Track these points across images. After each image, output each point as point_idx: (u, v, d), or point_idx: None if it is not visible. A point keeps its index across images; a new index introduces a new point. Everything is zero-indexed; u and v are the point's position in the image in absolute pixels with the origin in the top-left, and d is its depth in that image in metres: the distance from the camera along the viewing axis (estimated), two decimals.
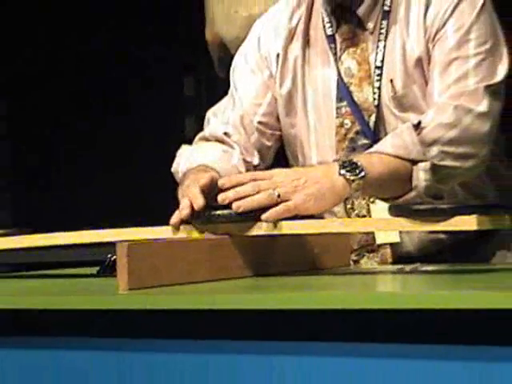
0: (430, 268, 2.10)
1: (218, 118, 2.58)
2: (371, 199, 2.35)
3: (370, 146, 2.32)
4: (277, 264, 2.13)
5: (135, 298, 1.81)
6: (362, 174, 2.13)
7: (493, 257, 2.46)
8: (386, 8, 2.43)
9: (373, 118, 2.40)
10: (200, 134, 2.58)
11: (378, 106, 2.40)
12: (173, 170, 2.51)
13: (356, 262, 2.42)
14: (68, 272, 2.61)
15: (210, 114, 2.61)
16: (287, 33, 2.52)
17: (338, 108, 2.43)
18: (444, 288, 1.82)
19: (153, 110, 7.43)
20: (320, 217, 2.20)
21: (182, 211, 2.10)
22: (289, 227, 2.04)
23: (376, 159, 2.19)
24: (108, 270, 2.29)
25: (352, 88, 2.43)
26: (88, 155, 7.60)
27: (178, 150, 2.59)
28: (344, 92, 2.43)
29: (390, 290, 1.97)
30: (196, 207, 2.09)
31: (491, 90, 2.31)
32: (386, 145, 2.22)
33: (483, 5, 2.37)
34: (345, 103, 2.43)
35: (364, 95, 2.42)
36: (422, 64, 2.38)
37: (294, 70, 2.50)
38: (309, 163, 2.47)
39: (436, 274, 2.08)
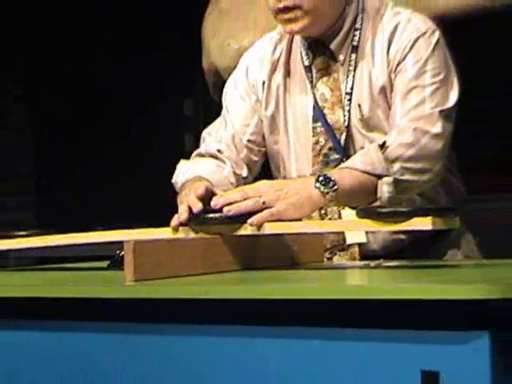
0: (391, 264, 2.11)
1: (212, 136, 2.59)
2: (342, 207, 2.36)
3: (341, 160, 2.35)
4: (261, 260, 2.14)
5: (140, 288, 1.83)
6: (335, 187, 2.16)
7: (445, 254, 2.48)
8: (355, 43, 2.44)
9: (343, 137, 2.41)
10: (196, 151, 2.59)
11: (348, 127, 2.41)
12: (173, 180, 2.52)
13: (329, 259, 2.43)
14: (83, 266, 2.59)
15: (205, 133, 2.62)
16: (271, 64, 2.53)
17: (313, 128, 2.45)
18: (402, 281, 1.84)
19: (158, 127, 7.45)
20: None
21: (181, 215, 2.13)
22: (271, 228, 2.06)
23: (347, 174, 2.21)
24: (117, 264, 2.29)
25: (326, 111, 2.44)
26: (101, 164, 7.62)
27: (178, 163, 2.60)
28: (319, 114, 2.44)
29: (357, 282, 1.98)
30: (195, 211, 2.12)
31: (444, 114, 2.33)
32: (355, 161, 2.24)
33: (437, 41, 2.39)
34: (319, 124, 2.44)
35: (336, 117, 2.43)
36: (386, 91, 2.39)
37: (276, 96, 2.51)
38: (289, 175, 2.49)
39: (396, 268, 2.08)
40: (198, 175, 2.39)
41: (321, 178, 2.16)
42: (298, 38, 2.51)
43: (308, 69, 2.48)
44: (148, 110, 7.52)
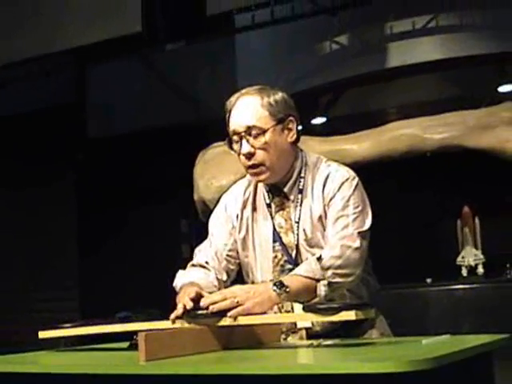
0: (328, 342, 2.11)
1: (201, 252, 2.54)
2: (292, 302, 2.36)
3: (292, 269, 2.34)
4: (236, 341, 2.12)
5: (150, 366, 1.81)
6: (287, 289, 2.16)
7: (365, 332, 2.45)
8: (301, 187, 2.42)
9: (294, 252, 2.38)
10: (190, 263, 2.53)
11: (297, 245, 2.38)
12: (174, 285, 2.47)
13: (285, 339, 2.41)
14: (109, 346, 2.50)
15: (196, 250, 2.57)
16: (242, 202, 2.51)
17: (273, 246, 2.42)
18: (331, 358, 1.86)
19: (161, 240, 7.46)
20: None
21: (178, 311, 2.13)
22: (243, 320, 2.06)
23: (295, 279, 2.21)
24: (133, 346, 2.26)
25: (282, 235, 2.41)
26: (123, 267, 7.60)
27: (177, 265, 2.58)
28: (277, 237, 2.41)
29: (302, 360, 1.97)
30: (188, 308, 2.12)
31: (362, 235, 2.33)
32: (300, 270, 2.24)
33: (357, 184, 2.40)
34: (277, 243, 2.41)
35: (289, 239, 2.40)
36: (322, 219, 2.38)
37: (246, 224, 2.48)
38: (256, 280, 2.46)
39: (332, 347, 2.08)
40: (191, 281, 2.38)
41: (277, 283, 2.17)
42: (261, 184, 2.51)
43: (268, 205, 2.46)
44: (154, 228, 7.56)
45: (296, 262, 2.36)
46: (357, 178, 2.43)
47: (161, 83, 8.19)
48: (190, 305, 2.13)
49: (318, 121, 7.26)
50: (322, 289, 2.22)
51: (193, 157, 6.04)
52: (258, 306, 2.11)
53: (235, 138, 2.43)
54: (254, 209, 2.50)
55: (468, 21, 6.30)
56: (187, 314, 2.11)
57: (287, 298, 2.19)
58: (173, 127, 7.86)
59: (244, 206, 2.51)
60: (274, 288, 2.16)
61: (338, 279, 2.26)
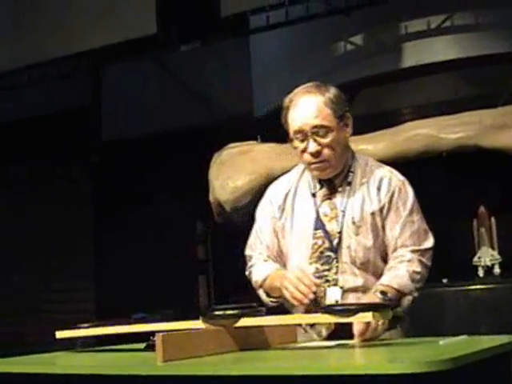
0: (344, 343, 2.11)
1: (255, 252, 2.60)
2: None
3: (331, 256, 2.41)
4: (252, 342, 2.12)
5: (167, 367, 1.83)
6: (389, 300, 2.30)
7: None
8: (349, 180, 2.48)
9: (336, 240, 2.43)
10: (250, 262, 2.61)
11: (340, 233, 2.43)
12: (254, 280, 2.56)
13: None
14: (125, 347, 2.52)
15: (247, 251, 2.65)
16: (284, 193, 2.56)
17: (314, 233, 2.46)
18: (348, 359, 1.86)
19: (178, 242, 7.48)
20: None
21: (309, 295, 2.26)
22: (255, 321, 2.08)
23: (389, 290, 2.34)
24: (151, 347, 2.27)
25: (325, 222, 2.45)
26: (140, 269, 7.63)
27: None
28: (319, 225, 2.46)
29: (318, 361, 1.92)
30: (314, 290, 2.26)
31: (430, 253, 2.49)
32: (393, 282, 2.37)
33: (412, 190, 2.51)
34: (320, 231, 2.45)
35: (332, 226, 2.44)
36: (375, 216, 2.44)
37: (286, 213, 2.54)
38: (290, 267, 2.50)
39: (348, 348, 2.08)
40: (276, 267, 2.49)
41: (383, 294, 2.31)
42: (306, 173, 2.55)
43: (313, 195, 2.50)
44: (169, 229, 7.59)
45: (337, 250, 2.42)
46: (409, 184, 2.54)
47: (175, 85, 8.20)
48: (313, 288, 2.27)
49: None
50: (405, 302, 2.39)
51: (208, 158, 6.05)
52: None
53: (299, 136, 2.45)
54: (297, 198, 2.54)
55: (483, 20, 6.27)
56: (204, 316, 2.12)
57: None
58: (187, 128, 7.87)
59: (286, 196, 2.55)
60: (381, 296, 2.30)
61: (416, 294, 2.41)
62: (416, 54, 6.42)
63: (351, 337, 2.19)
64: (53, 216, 8.87)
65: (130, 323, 2.45)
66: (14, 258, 9.06)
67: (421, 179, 6.05)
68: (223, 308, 2.11)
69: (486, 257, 5.50)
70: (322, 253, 2.44)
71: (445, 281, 5.38)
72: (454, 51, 6.36)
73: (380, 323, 2.18)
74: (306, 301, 2.26)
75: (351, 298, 2.38)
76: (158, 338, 1.87)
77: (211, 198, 5.81)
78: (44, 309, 8.77)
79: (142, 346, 2.35)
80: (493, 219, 5.55)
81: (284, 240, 2.54)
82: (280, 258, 2.56)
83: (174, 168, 7.79)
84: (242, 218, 5.60)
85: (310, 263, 2.44)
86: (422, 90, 6.74)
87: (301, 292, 2.27)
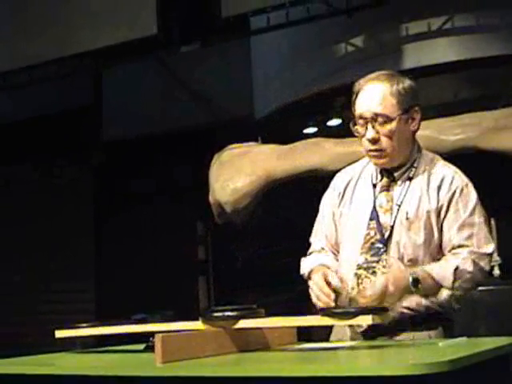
0: (344, 345, 2.11)
1: (315, 238, 2.61)
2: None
3: (381, 248, 2.40)
4: (252, 344, 2.12)
5: (166, 368, 1.82)
6: (419, 288, 2.27)
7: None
8: (411, 175, 2.46)
9: (387, 233, 2.41)
10: (310, 250, 2.61)
11: (392, 227, 2.41)
12: (301, 273, 2.54)
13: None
14: (125, 348, 2.52)
15: (312, 238, 2.64)
16: (347, 181, 2.57)
17: (368, 224, 2.45)
18: (346, 361, 1.85)
19: (179, 243, 7.48)
20: None
21: (330, 303, 2.25)
22: (255, 323, 2.08)
23: (427, 277, 2.30)
24: (150, 348, 2.26)
25: (380, 214, 2.44)
26: (139, 269, 7.62)
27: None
28: (374, 215, 2.45)
29: (317, 363, 1.93)
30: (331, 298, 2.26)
31: (489, 258, 2.43)
32: (434, 271, 2.32)
33: (476, 194, 2.48)
34: (374, 221, 2.44)
35: (386, 219, 2.43)
36: (431, 215, 2.41)
37: (345, 200, 2.54)
38: (342, 255, 2.51)
39: (346, 349, 2.08)
40: (320, 263, 2.48)
41: (414, 280, 2.26)
42: (370, 165, 2.54)
43: (374, 185, 2.50)
44: (170, 230, 7.59)
45: (386, 243, 2.40)
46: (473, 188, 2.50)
47: (176, 85, 8.20)
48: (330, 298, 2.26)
49: (334, 122, 7.23)
50: (443, 296, 2.33)
51: (208, 159, 6.05)
52: (398, 297, 2.25)
53: (361, 121, 2.45)
54: (357, 187, 2.54)
55: (484, 22, 6.27)
56: (204, 317, 2.11)
57: (410, 292, 2.28)
58: (188, 129, 7.87)
59: (347, 184, 2.56)
60: (411, 284, 2.25)
61: (458, 292, 2.35)
62: (417, 56, 6.41)
63: (386, 334, 2.23)
64: (53, 216, 8.87)
65: (129, 324, 2.44)
66: (14, 257, 9.06)
67: None
68: (223, 309, 2.10)
69: None
70: (372, 244, 2.42)
71: None
72: (454, 53, 6.35)
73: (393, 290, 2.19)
74: (325, 304, 2.26)
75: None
76: (157, 339, 1.87)
77: (211, 199, 5.81)
78: (43, 309, 8.77)
79: (142, 347, 2.35)
80: (493, 221, 5.54)
81: (340, 227, 2.54)
82: (337, 246, 2.56)
83: (175, 168, 7.79)
84: (242, 219, 5.60)
85: (361, 253, 2.43)
86: (422, 91, 6.73)
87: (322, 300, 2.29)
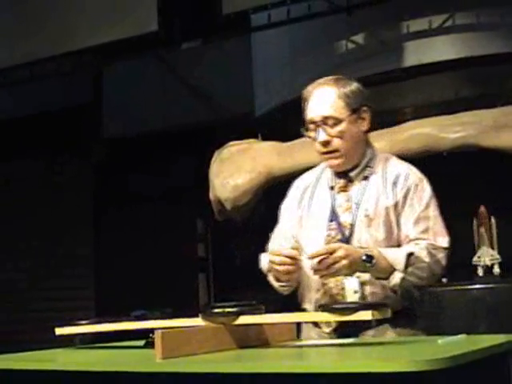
0: (344, 342, 2.11)
1: (274, 240, 2.65)
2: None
3: None
4: (252, 340, 2.13)
5: (166, 364, 1.83)
6: (373, 265, 2.30)
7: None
8: (366, 175, 2.51)
9: (348, 232, 2.45)
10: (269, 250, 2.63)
11: (352, 225, 2.45)
12: (261, 266, 2.59)
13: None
14: (125, 344, 2.52)
15: (271, 238, 2.68)
16: (304, 186, 2.63)
17: (329, 225, 2.49)
18: (347, 357, 1.85)
19: (179, 240, 7.48)
20: None
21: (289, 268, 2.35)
22: (255, 319, 2.08)
23: (381, 258, 2.34)
24: (150, 344, 2.27)
25: (340, 214, 2.49)
26: (140, 266, 7.62)
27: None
28: (334, 216, 2.49)
29: (318, 359, 1.96)
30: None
31: (447, 252, 2.50)
32: (388, 253, 2.36)
33: (431, 189, 2.52)
34: (334, 222, 2.48)
35: (345, 218, 2.47)
36: (389, 212, 2.45)
37: (304, 205, 2.59)
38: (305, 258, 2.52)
39: (347, 346, 2.08)
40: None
41: (368, 255, 2.30)
42: (327, 169, 2.60)
43: (331, 188, 2.55)
44: (170, 228, 7.59)
45: (348, 242, 2.43)
46: (428, 183, 2.54)
47: (176, 82, 8.20)
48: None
49: None
50: (395, 279, 2.34)
51: (208, 156, 6.05)
52: (348, 269, 2.27)
53: (311, 126, 2.52)
54: (315, 191, 2.59)
55: (485, 20, 6.26)
56: (203, 313, 2.12)
57: (367, 270, 2.31)
58: (188, 126, 7.86)
59: (305, 189, 2.61)
60: (364, 258, 2.28)
61: (412, 278, 2.35)
62: (417, 54, 6.41)
63: (355, 332, 2.22)
64: (53, 213, 8.87)
65: (129, 320, 2.45)
66: (13, 254, 9.07)
67: None
68: (222, 305, 2.11)
69: (486, 256, 5.49)
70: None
71: (444, 280, 5.37)
72: (455, 51, 6.35)
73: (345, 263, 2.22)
74: (291, 268, 2.31)
75: (368, 290, 2.40)
76: (157, 335, 1.87)
77: (211, 196, 5.81)
78: (42, 306, 8.77)
79: (142, 343, 2.35)
80: (493, 219, 5.55)
81: (301, 231, 2.57)
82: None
83: (175, 166, 7.79)
84: (242, 216, 5.60)
85: None
86: (423, 89, 6.73)
87: (284, 262, 2.33)
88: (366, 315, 1.95)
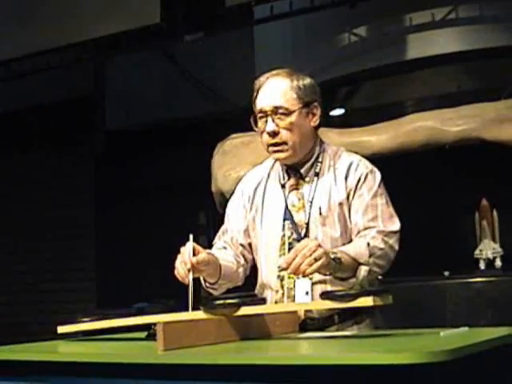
0: (345, 334, 2.10)
1: (220, 239, 2.62)
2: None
3: None
4: (253, 332, 2.13)
5: (168, 355, 1.83)
6: (340, 263, 2.25)
7: (361, 322, 2.42)
8: (317, 171, 2.49)
9: (303, 231, 2.42)
10: (214, 246, 2.62)
11: (307, 224, 2.43)
12: None
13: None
14: (126, 336, 2.52)
15: (217, 235, 2.66)
16: (255, 184, 2.59)
17: (283, 225, 2.46)
18: (349, 349, 1.85)
19: (180, 232, 7.47)
20: None
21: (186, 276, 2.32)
22: (256, 310, 2.08)
23: (345, 255, 2.28)
24: (151, 336, 2.27)
25: (293, 213, 2.46)
26: (140, 258, 7.62)
27: None
28: (288, 215, 2.46)
29: (320, 351, 1.95)
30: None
31: (397, 235, 2.44)
32: (349, 249, 2.32)
33: (381, 178, 2.48)
34: (288, 222, 2.45)
35: (300, 217, 2.45)
36: (343, 206, 2.43)
37: (257, 204, 2.55)
38: (260, 259, 2.52)
39: (348, 338, 2.08)
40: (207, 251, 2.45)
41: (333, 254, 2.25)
42: (276, 165, 2.57)
43: (283, 186, 2.52)
44: (171, 220, 7.58)
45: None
46: (379, 173, 2.50)
47: (179, 74, 8.19)
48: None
49: (337, 112, 7.23)
50: (362, 272, 2.29)
51: (211, 148, 6.04)
52: (326, 260, 2.19)
53: (261, 115, 2.48)
54: (267, 189, 2.55)
55: (488, 12, 6.24)
56: (205, 306, 2.11)
57: (333, 269, 2.26)
58: (191, 118, 7.86)
59: (256, 187, 2.57)
60: (333, 257, 2.22)
61: (375, 268, 2.34)
62: (420, 47, 6.40)
63: (319, 329, 2.24)
64: (55, 205, 8.88)
65: (131, 312, 2.45)
66: (14, 247, 9.08)
67: (423, 171, 6.05)
68: (224, 297, 2.11)
69: (488, 250, 5.49)
70: (290, 244, 2.42)
71: (446, 273, 5.37)
72: (458, 44, 6.33)
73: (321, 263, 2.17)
74: (186, 280, 2.29)
75: (319, 290, 2.31)
76: (159, 327, 1.87)
77: (213, 189, 5.81)
78: (44, 299, 8.78)
79: (144, 334, 2.35)
80: (495, 212, 5.54)
81: (254, 232, 2.54)
82: (244, 249, 2.58)
83: (177, 158, 7.78)
84: None
85: (280, 255, 2.43)
86: (425, 82, 6.72)
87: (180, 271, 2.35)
88: (367, 302, 1.94)
